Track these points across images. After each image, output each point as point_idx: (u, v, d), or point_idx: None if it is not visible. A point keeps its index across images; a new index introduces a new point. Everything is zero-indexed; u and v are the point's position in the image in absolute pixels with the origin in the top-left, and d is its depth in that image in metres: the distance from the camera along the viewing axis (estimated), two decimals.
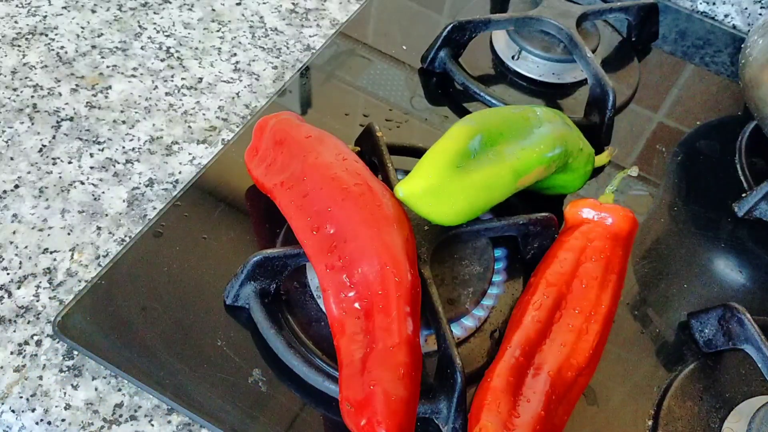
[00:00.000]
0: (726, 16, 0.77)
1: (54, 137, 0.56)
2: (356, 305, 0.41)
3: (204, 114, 0.59)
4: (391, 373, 0.38)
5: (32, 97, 0.58)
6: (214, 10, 0.68)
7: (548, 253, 0.50)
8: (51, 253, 0.50)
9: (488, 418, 0.41)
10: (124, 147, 0.56)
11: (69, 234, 0.51)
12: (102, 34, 0.64)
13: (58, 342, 0.46)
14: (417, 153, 0.56)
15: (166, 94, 0.60)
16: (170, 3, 0.68)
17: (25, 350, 0.46)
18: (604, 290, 0.47)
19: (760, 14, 0.75)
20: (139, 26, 0.65)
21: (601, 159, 0.59)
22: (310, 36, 0.67)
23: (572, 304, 0.46)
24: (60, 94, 0.59)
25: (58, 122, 0.57)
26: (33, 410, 0.44)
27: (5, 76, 0.59)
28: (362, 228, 0.43)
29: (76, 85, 0.60)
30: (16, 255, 0.50)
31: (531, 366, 0.44)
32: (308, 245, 0.44)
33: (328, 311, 0.42)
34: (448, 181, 0.46)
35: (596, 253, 0.49)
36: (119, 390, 0.45)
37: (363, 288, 0.41)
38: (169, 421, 0.44)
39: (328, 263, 0.43)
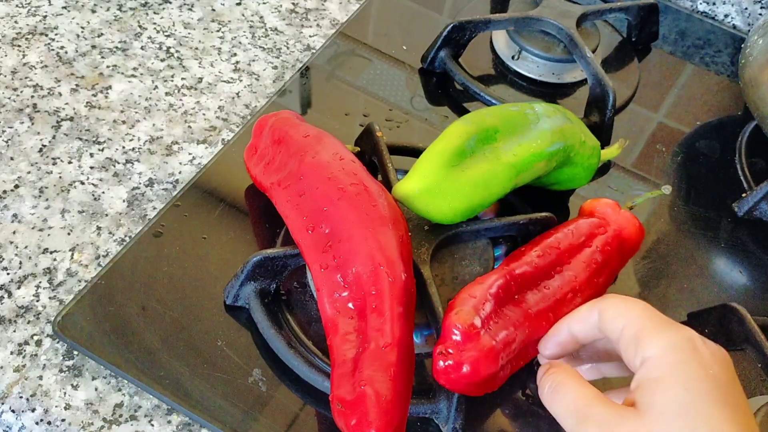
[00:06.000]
0: (726, 16, 0.77)
1: (54, 137, 0.56)
2: (350, 305, 0.41)
3: (204, 114, 0.59)
4: (382, 373, 0.38)
5: (32, 97, 0.58)
6: (214, 10, 0.68)
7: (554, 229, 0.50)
8: (51, 253, 0.50)
9: (466, 305, 0.42)
10: (124, 147, 0.56)
11: (69, 234, 0.51)
12: (102, 34, 0.64)
13: (58, 342, 0.46)
14: (417, 153, 0.56)
15: (166, 94, 0.60)
16: (170, 3, 0.68)
17: (25, 350, 0.46)
18: (599, 277, 0.48)
19: (760, 14, 0.75)
20: (139, 26, 0.65)
21: (612, 152, 0.59)
22: (310, 36, 0.67)
23: (570, 270, 0.47)
24: (60, 94, 0.59)
25: (58, 122, 0.57)
26: (33, 410, 0.44)
27: (5, 76, 0.59)
28: (357, 228, 0.43)
29: (76, 85, 0.60)
30: (16, 255, 0.50)
31: (518, 294, 0.44)
32: (303, 244, 0.44)
33: (322, 310, 0.42)
34: (445, 179, 0.46)
35: (600, 244, 0.48)
36: (119, 390, 0.45)
37: (356, 288, 0.41)
38: (169, 421, 0.44)
39: (322, 263, 0.43)
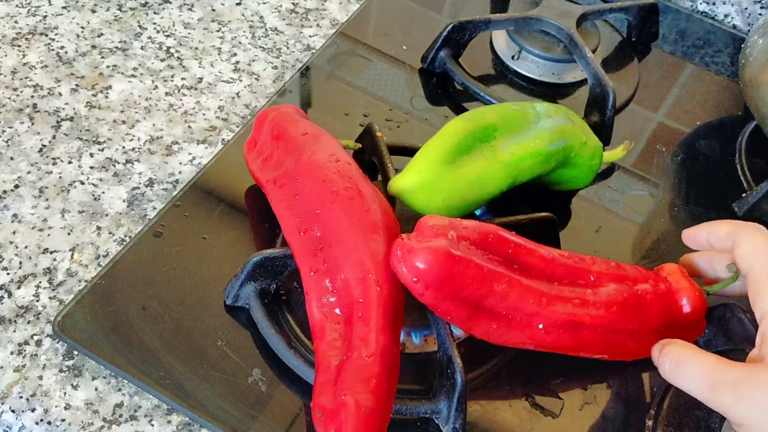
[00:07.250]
0: (726, 16, 0.77)
1: (54, 137, 0.56)
2: (337, 311, 0.41)
3: (204, 114, 0.59)
4: (363, 384, 0.38)
5: (32, 97, 0.58)
6: (214, 10, 0.68)
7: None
8: (51, 253, 0.50)
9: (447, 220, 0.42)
10: (124, 147, 0.56)
11: (69, 234, 0.51)
12: (102, 34, 0.64)
13: (58, 342, 0.46)
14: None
15: (166, 94, 0.60)
16: (170, 3, 0.68)
17: (25, 350, 0.46)
18: (625, 321, 0.45)
19: (760, 14, 0.75)
20: (139, 26, 0.65)
21: (615, 154, 0.59)
22: (310, 36, 0.67)
23: (589, 289, 0.44)
24: (60, 94, 0.59)
25: (58, 122, 0.57)
26: (33, 410, 0.44)
27: (5, 76, 0.59)
28: (348, 233, 0.42)
29: (76, 85, 0.60)
30: (16, 255, 0.50)
31: (515, 264, 0.43)
32: (295, 246, 0.44)
33: (310, 314, 0.42)
34: (440, 176, 0.46)
35: (641, 290, 0.45)
36: (119, 390, 0.45)
37: (344, 294, 0.41)
38: (169, 421, 0.44)
39: (312, 266, 0.43)
